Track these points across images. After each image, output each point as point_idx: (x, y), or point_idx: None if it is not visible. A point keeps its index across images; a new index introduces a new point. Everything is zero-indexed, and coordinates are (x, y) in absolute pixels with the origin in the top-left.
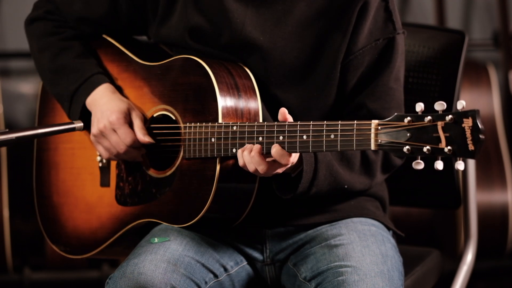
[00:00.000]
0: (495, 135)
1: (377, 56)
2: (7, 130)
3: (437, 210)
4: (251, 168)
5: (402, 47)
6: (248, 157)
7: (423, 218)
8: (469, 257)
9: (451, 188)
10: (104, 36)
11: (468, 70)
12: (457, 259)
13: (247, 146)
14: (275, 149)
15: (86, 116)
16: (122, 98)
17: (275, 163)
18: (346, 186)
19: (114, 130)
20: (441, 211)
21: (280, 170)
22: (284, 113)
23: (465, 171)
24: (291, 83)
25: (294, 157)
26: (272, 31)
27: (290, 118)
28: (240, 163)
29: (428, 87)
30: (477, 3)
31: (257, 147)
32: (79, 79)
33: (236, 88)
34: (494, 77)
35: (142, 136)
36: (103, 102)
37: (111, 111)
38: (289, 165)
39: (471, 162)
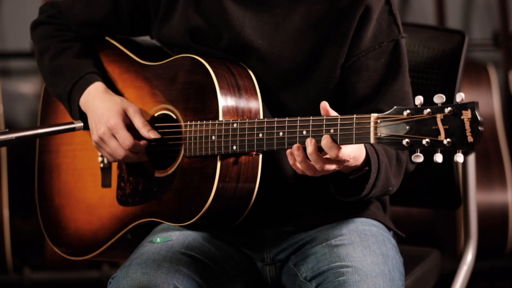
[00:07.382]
0: (495, 135)
1: (386, 61)
2: (7, 130)
3: (437, 210)
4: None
5: (405, 51)
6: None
7: (423, 218)
8: (469, 257)
9: (451, 188)
10: (106, 38)
11: (468, 70)
12: (457, 259)
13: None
14: (325, 141)
15: (86, 116)
16: (114, 98)
17: (327, 160)
18: (390, 188)
19: (113, 135)
20: (441, 211)
21: (331, 167)
22: (325, 107)
23: (465, 171)
24: (289, 86)
25: (349, 151)
26: (271, 34)
27: (331, 112)
28: (291, 161)
29: (428, 87)
30: (477, 3)
31: (313, 143)
32: (74, 78)
33: (237, 87)
34: (494, 77)
35: (147, 133)
36: (97, 105)
37: (107, 116)
38: (346, 161)
39: (471, 162)
